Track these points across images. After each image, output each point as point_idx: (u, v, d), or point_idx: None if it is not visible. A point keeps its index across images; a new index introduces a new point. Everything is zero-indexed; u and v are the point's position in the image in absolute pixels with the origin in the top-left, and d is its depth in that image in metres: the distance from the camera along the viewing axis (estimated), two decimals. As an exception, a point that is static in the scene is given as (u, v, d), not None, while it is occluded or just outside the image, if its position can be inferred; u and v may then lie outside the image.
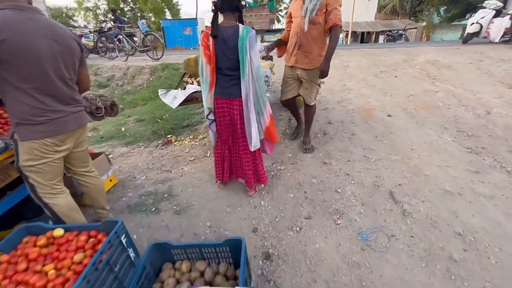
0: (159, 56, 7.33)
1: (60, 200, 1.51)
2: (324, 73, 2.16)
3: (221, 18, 1.73)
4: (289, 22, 2.40)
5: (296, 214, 1.94)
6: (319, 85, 2.39)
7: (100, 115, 2.20)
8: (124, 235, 1.20)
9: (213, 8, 1.70)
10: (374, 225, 1.77)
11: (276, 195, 2.16)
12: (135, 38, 8.30)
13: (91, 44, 8.54)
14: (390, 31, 16.56)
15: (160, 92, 2.61)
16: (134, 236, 1.88)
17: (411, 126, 3.03)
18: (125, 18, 30.88)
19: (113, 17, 8.98)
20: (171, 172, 2.71)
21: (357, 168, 2.37)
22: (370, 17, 22.40)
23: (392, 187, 2.10)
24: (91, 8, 30.59)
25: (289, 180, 2.33)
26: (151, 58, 7.39)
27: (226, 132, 1.98)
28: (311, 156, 2.63)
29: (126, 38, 7.45)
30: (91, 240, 1.20)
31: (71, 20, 34.12)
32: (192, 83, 2.84)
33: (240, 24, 1.65)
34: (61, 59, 1.35)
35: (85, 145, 1.70)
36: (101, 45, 7.95)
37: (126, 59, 7.40)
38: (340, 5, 2.08)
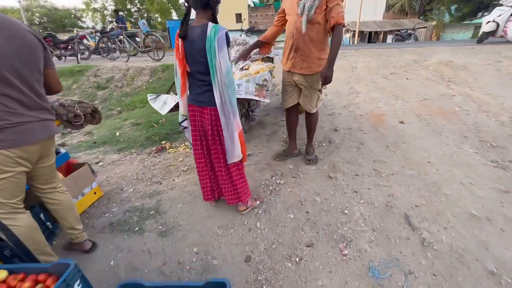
0: (160, 57, 7.15)
1: (21, 221, 1.31)
2: (327, 79, 1.89)
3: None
4: (281, 18, 2.13)
5: (296, 240, 1.68)
6: (320, 91, 2.12)
7: (79, 123, 1.98)
8: (78, 280, 0.97)
9: (186, 4, 1.48)
10: (388, 258, 1.50)
11: (274, 215, 1.91)
12: (137, 39, 8.16)
13: (93, 44, 8.43)
14: (398, 30, 16.12)
15: (150, 96, 2.39)
16: (111, 263, 1.66)
17: (426, 135, 2.74)
18: (129, 19, 31.08)
19: (115, 18, 8.87)
20: (161, 184, 2.49)
21: (367, 184, 2.10)
22: (378, 16, 21.93)
23: (408, 209, 1.82)
24: (98, 9, 30.89)
25: (289, 197, 2.07)
26: (152, 58, 7.23)
27: (200, 143, 1.75)
28: (314, 169, 2.36)
29: (127, 38, 7.31)
30: (39, 286, 0.98)
31: (79, 21, 34.54)
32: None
33: (209, 23, 1.42)
34: (20, 58, 1.17)
35: (52, 159, 1.48)
36: (103, 45, 7.82)
37: (127, 60, 7.24)
38: (342, 1, 1.83)
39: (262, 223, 1.84)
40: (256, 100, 2.31)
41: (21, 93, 1.19)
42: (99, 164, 3.07)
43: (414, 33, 14.68)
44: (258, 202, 2.00)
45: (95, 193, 2.35)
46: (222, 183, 1.83)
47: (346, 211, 1.86)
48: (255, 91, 2.11)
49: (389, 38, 18.74)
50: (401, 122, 3.01)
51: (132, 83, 6.25)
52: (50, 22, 33.35)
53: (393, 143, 2.62)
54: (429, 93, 3.73)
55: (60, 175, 1.97)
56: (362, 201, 1.93)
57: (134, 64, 6.87)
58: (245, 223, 1.86)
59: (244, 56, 2.33)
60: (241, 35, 3.47)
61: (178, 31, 1.47)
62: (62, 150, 2.24)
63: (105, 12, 31.95)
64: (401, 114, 3.21)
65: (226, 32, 1.42)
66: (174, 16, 30.57)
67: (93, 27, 9.23)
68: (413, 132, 2.80)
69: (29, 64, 1.22)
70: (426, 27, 19.57)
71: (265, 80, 2.13)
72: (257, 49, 2.46)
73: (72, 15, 35.27)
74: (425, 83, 4.10)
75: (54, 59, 8.22)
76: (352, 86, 4.21)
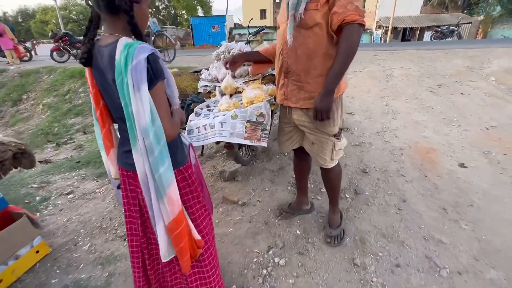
0: (171, 58, 6.66)
1: None
2: (320, 114, 1.18)
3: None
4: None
5: None
6: (336, 135, 1.32)
7: (-7, 173, 1.42)
8: None
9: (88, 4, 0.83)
10: None
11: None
12: (153, 38, 7.77)
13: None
14: (438, 26, 14.44)
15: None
16: None
17: (506, 193, 1.86)
18: (157, 16, 31.60)
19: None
20: (125, 241, 1.89)
21: (415, 286, 1.32)
22: (414, 11, 19.94)
23: None
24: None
25: (289, 296, 1.36)
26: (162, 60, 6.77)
27: (135, 224, 1.07)
28: (333, 243, 1.62)
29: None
30: None
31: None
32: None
33: (121, 39, 0.78)
34: None
35: None
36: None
37: (138, 61, 6.87)
38: None
39: None
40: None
41: None
42: (69, 196, 2.55)
43: (457, 30, 13.01)
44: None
45: (37, 251, 1.80)
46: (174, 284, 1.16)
47: None
48: (245, 132, 1.40)
49: (427, 35, 16.94)
50: (462, 166, 2.14)
51: (137, 87, 5.81)
52: (85, 19, 35.01)
53: (454, 205, 1.78)
54: (496, 117, 2.77)
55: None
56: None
57: (143, 66, 6.43)
58: None
59: (229, 63, 1.53)
60: (247, 41, 2.76)
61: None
62: None
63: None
64: (460, 150, 2.33)
65: (153, 54, 0.76)
66: (200, 12, 30.60)
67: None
68: (483, 185, 1.92)
69: None
70: (471, 23, 17.43)
71: (262, 115, 1.41)
72: (249, 63, 1.75)
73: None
74: (487, 101, 3.12)
75: (71, 59, 8.11)
76: (388, 103, 3.33)
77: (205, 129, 1.46)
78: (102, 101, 0.96)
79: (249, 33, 2.82)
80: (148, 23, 7.60)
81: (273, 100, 1.51)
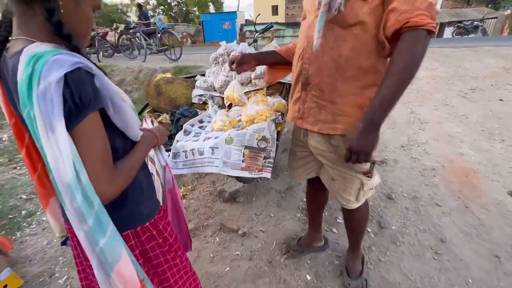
0: (178, 56, 6.42)
1: None
2: (357, 155, 0.82)
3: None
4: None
5: None
6: (368, 172, 0.97)
7: None
8: None
9: None
10: None
11: None
12: (159, 36, 7.57)
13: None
14: (460, 22, 13.55)
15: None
16: None
17: None
18: (169, 13, 31.70)
19: (139, 13, 8.35)
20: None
21: None
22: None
23: None
24: (141, 3, 31.92)
25: None
26: (168, 58, 6.54)
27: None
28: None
29: (144, 36, 6.70)
30: None
31: (125, 16, 36.48)
32: (152, 124, 1.68)
33: (28, 47, 0.49)
34: None
35: None
36: (125, 42, 7.36)
37: (144, 59, 6.68)
38: None
39: None
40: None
41: None
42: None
43: (482, 25, 12.15)
44: None
45: (5, 286, 1.57)
46: None
47: None
48: (243, 161, 1.08)
49: (448, 31, 16.01)
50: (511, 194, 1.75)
51: (141, 87, 5.58)
52: (100, 17, 35.74)
53: (510, 250, 1.40)
54: (547, 129, 2.33)
55: None
56: None
57: (149, 65, 6.22)
58: None
59: (236, 63, 1.14)
60: (253, 40, 2.43)
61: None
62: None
63: (147, 6, 33.13)
64: (507, 173, 1.92)
65: (75, 71, 0.48)
66: (212, 9, 30.47)
67: (136, 22, 8.71)
68: (544, 222, 1.53)
69: None
70: (496, 18, 16.35)
71: (264, 139, 1.09)
72: (264, 66, 1.40)
73: (119, 10, 37.29)
74: (534, 109, 2.67)
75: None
76: (413, 109, 2.92)
77: (193, 154, 1.16)
78: (27, 135, 0.67)
79: (256, 31, 2.50)
80: (154, 20, 7.41)
81: (280, 118, 1.18)
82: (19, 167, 3.68)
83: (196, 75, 1.79)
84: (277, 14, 25.30)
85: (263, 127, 1.09)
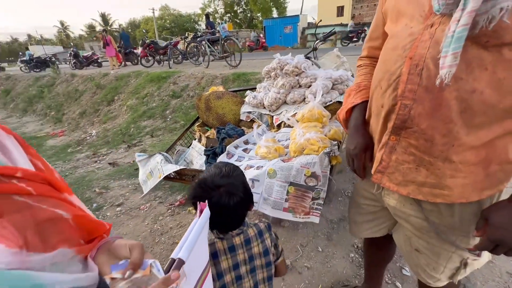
0: (238, 63, 6.64)
1: None
2: (507, 245, 0.54)
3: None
4: (374, 45, 0.79)
5: None
6: (473, 250, 0.66)
7: None
8: None
9: None
10: None
11: None
12: (222, 43, 7.97)
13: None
14: None
15: (138, 157, 1.55)
16: None
17: None
18: (234, 20, 33.47)
19: (205, 22, 8.96)
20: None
21: None
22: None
23: None
24: (210, 13, 34.67)
25: None
26: (229, 64, 6.82)
27: None
28: None
29: (208, 43, 7.14)
30: None
31: (196, 25, 40.41)
32: (200, 138, 1.65)
33: None
34: None
35: None
36: (194, 50, 8.02)
37: (207, 66, 7.12)
38: None
39: None
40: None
41: None
42: (118, 209, 2.56)
43: None
44: None
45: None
46: None
47: None
48: (286, 200, 0.92)
49: None
50: None
51: (201, 93, 5.92)
52: (176, 26, 40.38)
53: None
54: None
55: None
56: None
57: (211, 71, 6.56)
58: None
59: (356, 169, 0.80)
60: (313, 48, 2.22)
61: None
62: None
63: (216, 15, 35.81)
64: None
65: None
66: (275, 13, 31.00)
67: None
68: None
69: None
70: None
71: (314, 176, 0.90)
72: (320, 82, 1.19)
73: (192, 20, 41.47)
74: None
75: (155, 64, 9.07)
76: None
77: (232, 183, 1.04)
78: None
79: (316, 38, 2.28)
80: (219, 29, 7.83)
81: (337, 149, 0.97)
82: (99, 161, 4.26)
83: (247, 90, 1.70)
84: (342, 15, 24.04)
85: (314, 161, 0.89)
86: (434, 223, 0.68)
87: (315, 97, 1.11)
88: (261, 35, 19.24)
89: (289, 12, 33.92)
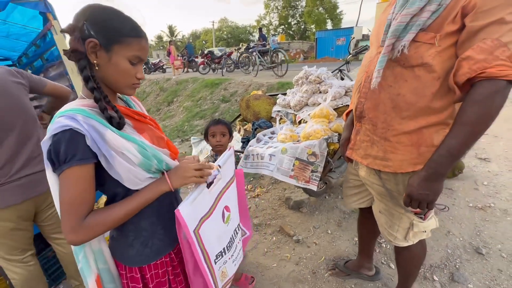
0: (283, 73, 7.10)
1: (18, 273, 1.31)
2: (416, 199, 0.82)
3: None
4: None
5: None
6: (419, 213, 0.94)
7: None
8: None
9: None
10: None
11: None
12: (271, 54, 8.56)
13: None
14: None
15: (193, 139, 2.07)
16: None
17: None
18: (288, 31, 34.24)
19: (259, 34, 9.70)
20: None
21: None
22: None
23: None
24: (265, 25, 36.29)
25: None
26: (275, 74, 7.32)
27: None
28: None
29: (259, 54, 7.76)
30: None
31: (250, 36, 42.62)
32: (239, 131, 2.10)
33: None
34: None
35: (53, 207, 1.38)
36: (246, 59, 8.78)
37: (256, 74, 7.71)
38: None
39: None
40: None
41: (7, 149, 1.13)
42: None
43: None
44: None
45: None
46: None
47: None
48: (292, 170, 1.28)
49: None
50: None
51: (248, 99, 6.50)
52: (232, 37, 43.34)
53: None
54: None
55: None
56: None
57: (258, 79, 7.13)
58: None
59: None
60: (346, 62, 2.51)
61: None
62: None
63: (270, 27, 37.21)
64: None
65: (58, 134, 0.57)
66: (329, 25, 30.84)
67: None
68: None
69: (11, 109, 1.15)
70: None
71: (314, 154, 1.24)
72: (334, 90, 1.53)
73: (247, 31, 43.91)
74: None
75: (210, 71, 10.09)
76: None
77: (257, 158, 1.44)
78: None
79: (349, 53, 2.56)
80: (269, 41, 8.41)
81: (336, 138, 1.30)
82: (158, 150, 5.06)
83: (280, 94, 2.10)
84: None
85: (315, 144, 1.24)
86: (388, 190, 0.97)
87: (325, 100, 1.45)
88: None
89: (345, 24, 33.37)
